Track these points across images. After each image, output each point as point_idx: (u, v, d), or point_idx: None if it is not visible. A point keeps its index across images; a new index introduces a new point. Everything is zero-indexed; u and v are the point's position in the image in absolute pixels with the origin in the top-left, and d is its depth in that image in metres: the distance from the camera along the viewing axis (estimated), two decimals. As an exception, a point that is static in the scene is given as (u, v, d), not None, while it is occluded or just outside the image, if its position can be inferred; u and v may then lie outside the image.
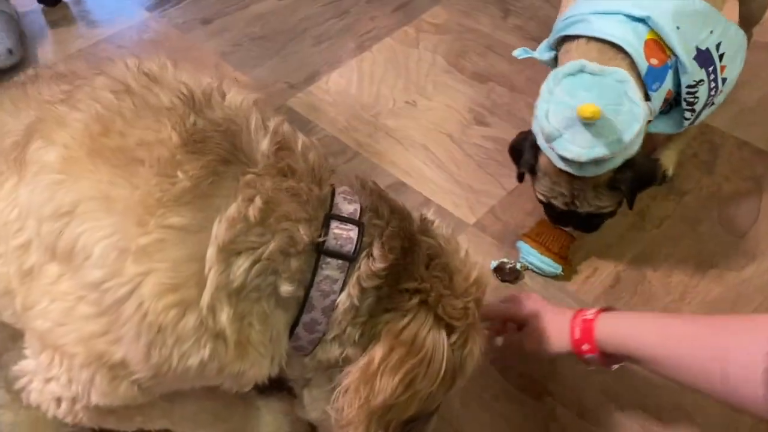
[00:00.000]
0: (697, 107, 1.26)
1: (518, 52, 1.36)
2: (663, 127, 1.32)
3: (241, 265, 0.74)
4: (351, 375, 0.81)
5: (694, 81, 1.21)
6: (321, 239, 0.78)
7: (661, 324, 0.98)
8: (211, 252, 0.72)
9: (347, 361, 0.83)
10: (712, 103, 1.28)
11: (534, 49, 1.37)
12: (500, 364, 1.24)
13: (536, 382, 1.23)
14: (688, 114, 1.27)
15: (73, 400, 0.83)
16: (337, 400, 0.83)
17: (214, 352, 0.76)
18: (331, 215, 0.80)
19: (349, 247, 0.79)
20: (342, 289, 0.79)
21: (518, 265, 1.38)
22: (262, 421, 1.12)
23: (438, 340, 0.81)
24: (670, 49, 1.19)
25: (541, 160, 1.25)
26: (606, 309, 1.03)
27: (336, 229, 0.79)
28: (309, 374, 0.90)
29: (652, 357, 0.94)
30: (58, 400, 0.84)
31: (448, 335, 0.82)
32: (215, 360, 0.76)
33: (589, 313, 1.02)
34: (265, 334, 0.79)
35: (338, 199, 0.83)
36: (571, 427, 1.17)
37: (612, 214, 1.31)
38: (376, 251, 0.78)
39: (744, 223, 1.47)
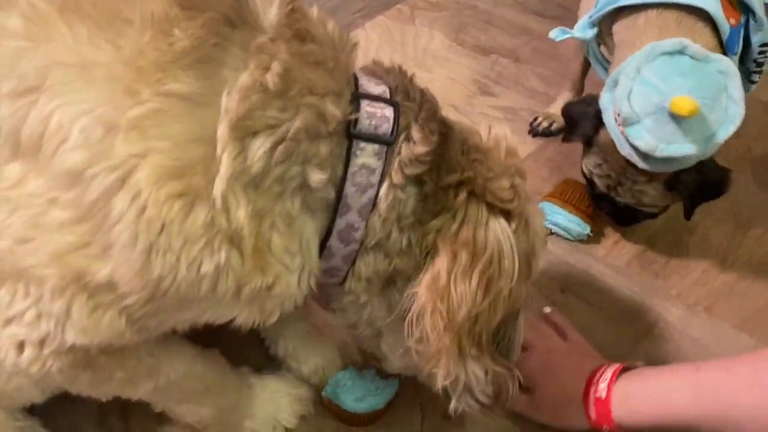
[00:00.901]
0: (765, 68, 1.14)
1: (555, 34, 1.21)
2: None
3: (260, 147, 0.59)
4: (419, 297, 0.69)
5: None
6: (352, 117, 0.64)
7: (693, 381, 0.81)
8: (222, 130, 0.57)
9: (399, 275, 0.71)
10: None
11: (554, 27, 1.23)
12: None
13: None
14: (755, 77, 1.15)
15: (42, 343, 0.65)
16: (413, 331, 0.70)
17: (229, 259, 0.61)
18: (359, 94, 0.66)
19: (386, 128, 0.66)
20: (381, 182, 0.66)
21: (540, 230, 1.24)
22: (257, 400, 0.96)
23: (500, 233, 0.69)
24: (740, 6, 1.08)
25: (602, 136, 1.11)
26: (624, 368, 0.88)
27: (368, 107, 0.65)
28: (360, 300, 0.76)
29: (692, 421, 0.79)
30: (21, 345, 0.66)
31: (508, 221, 0.71)
32: (230, 272, 0.62)
33: (602, 389, 0.86)
34: (290, 241, 0.65)
35: (362, 80, 0.69)
36: None
37: (653, 216, 1.19)
38: (415, 134, 0.66)
39: (781, 181, 1.35)
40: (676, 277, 1.19)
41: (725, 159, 1.38)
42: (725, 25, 1.05)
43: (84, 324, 0.63)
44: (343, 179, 0.66)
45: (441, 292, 0.68)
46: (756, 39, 1.10)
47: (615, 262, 1.21)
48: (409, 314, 0.70)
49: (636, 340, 1.09)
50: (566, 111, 1.18)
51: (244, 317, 0.69)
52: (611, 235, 1.26)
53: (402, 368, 0.88)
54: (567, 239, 1.24)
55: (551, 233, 1.24)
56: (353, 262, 0.72)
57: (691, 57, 1.00)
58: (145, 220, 0.57)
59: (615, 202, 1.17)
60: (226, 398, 0.92)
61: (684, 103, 0.94)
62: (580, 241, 1.24)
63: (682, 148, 1.00)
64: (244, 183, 0.60)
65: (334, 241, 0.70)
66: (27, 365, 0.67)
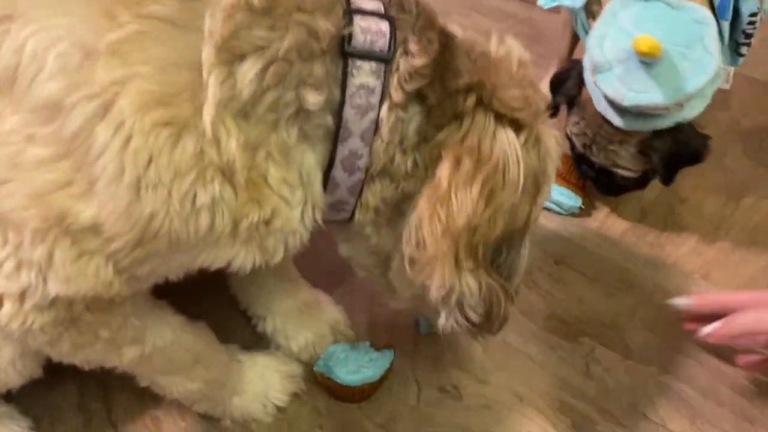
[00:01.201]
0: (753, 41, 1.09)
1: (544, 1, 1.18)
2: None
3: (249, 70, 0.56)
4: (421, 203, 0.65)
5: (757, 8, 1.05)
6: (346, 32, 0.60)
7: None
8: (207, 53, 0.54)
9: (407, 200, 0.67)
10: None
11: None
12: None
13: (569, 324, 1.06)
14: (743, 49, 1.10)
15: (22, 296, 0.62)
16: (411, 237, 0.66)
17: (222, 193, 0.57)
18: (351, 9, 0.62)
19: (383, 43, 0.61)
20: (381, 102, 0.62)
21: (531, 206, 1.21)
22: (247, 377, 0.92)
23: (507, 142, 0.65)
24: None
25: (583, 93, 1.09)
26: None
27: (362, 22, 0.61)
28: (370, 234, 0.73)
29: None
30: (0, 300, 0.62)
31: (517, 133, 0.66)
32: (224, 207, 0.58)
33: None
34: (289, 173, 0.61)
35: None
36: (617, 368, 0.99)
37: (637, 184, 1.15)
38: (413, 46, 0.62)
39: (770, 151, 1.34)
40: (670, 247, 1.17)
41: (715, 132, 1.36)
42: None
43: (68, 272, 0.59)
44: (342, 103, 0.62)
45: (441, 197, 0.64)
46: (746, 8, 1.06)
47: (609, 234, 1.19)
48: (410, 221, 0.67)
49: (633, 308, 1.07)
50: (552, 80, 1.16)
51: (243, 258, 0.65)
52: (603, 208, 1.24)
53: (411, 300, 0.83)
54: (559, 213, 1.21)
55: (543, 208, 1.21)
56: (360, 194, 0.68)
57: (667, 4, 0.97)
58: (131, 151, 0.53)
59: (593, 163, 1.13)
60: (215, 372, 0.88)
61: (646, 41, 0.90)
62: (573, 214, 1.22)
63: (651, 96, 0.95)
64: (234, 111, 0.56)
65: (337, 171, 0.65)
66: (7, 321, 0.63)
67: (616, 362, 1.00)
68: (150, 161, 0.54)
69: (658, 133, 1.03)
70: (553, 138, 0.71)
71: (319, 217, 0.67)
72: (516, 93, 0.66)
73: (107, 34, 0.52)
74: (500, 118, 0.66)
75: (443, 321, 0.76)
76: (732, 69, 1.08)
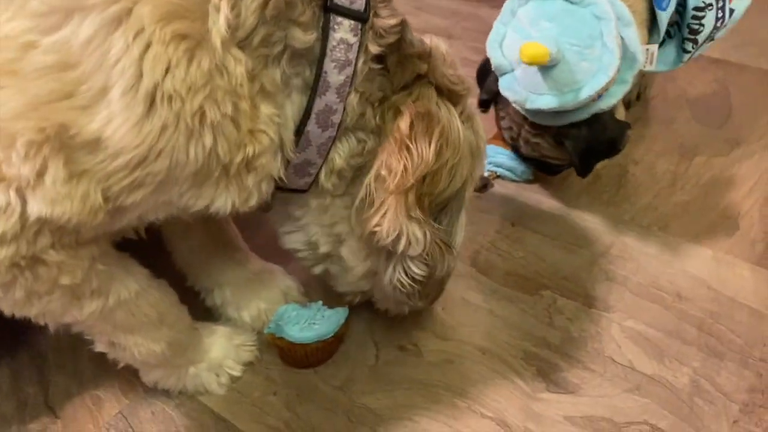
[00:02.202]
0: (700, 38, 1.06)
1: None
2: (659, 63, 1.10)
3: (252, 2, 0.58)
4: (382, 151, 0.71)
5: (703, 2, 1.03)
6: None
7: None
8: None
9: (369, 163, 0.72)
10: (712, 38, 1.09)
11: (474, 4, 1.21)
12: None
13: (529, 279, 1.03)
14: (689, 45, 1.07)
15: None
16: (371, 182, 0.72)
17: (227, 117, 0.59)
18: None
19: (360, 3, 0.66)
20: (357, 59, 0.66)
21: (486, 173, 1.20)
22: (202, 346, 0.89)
23: (447, 111, 0.74)
24: None
25: None
26: None
27: None
28: (326, 202, 0.77)
29: None
30: None
31: (454, 105, 0.75)
32: (225, 135, 0.60)
33: None
34: (275, 110, 0.64)
35: None
36: (580, 316, 0.96)
37: (571, 166, 1.12)
38: (382, 11, 0.67)
39: (719, 115, 1.36)
40: (626, 204, 1.16)
41: (663, 101, 1.40)
42: None
43: (56, 192, 0.56)
44: (322, 56, 0.65)
45: (401, 144, 0.69)
46: (692, 1, 1.03)
47: (564, 196, 1.18)
48: (369, 172, 0.72)
49: (592, 260, 1.05)
50: (478, 72, 1.13)
51: (222, 201, 0.65)
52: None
53: (365, 274, 0.83)
54: (513, 180, 1.20)
55: (497, 176, 1.20)
56: (327, 156, 0.71)
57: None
58: (151, 57, 0.53)
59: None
60: (179, 335, 0.83)
61: (530, 50, 0.85)
62: (528, 181, 1.20)
63: (549, 100, 0.92)
64: (238, 39, 0.58)
65: (312, 126, 0.68)
66: None
67: (578, 311, 0.97)
68: (168, 71, 0.54)
69: (574, 123, 0.97)
70: (480, 120, 0.80)
71: (283, 170, 0.69)
72: (451, 71, 0.75)
73: None
74: (440, 92, 0.74)
75: (389, 273, 0.79)
76: (655, 48, 1.02)
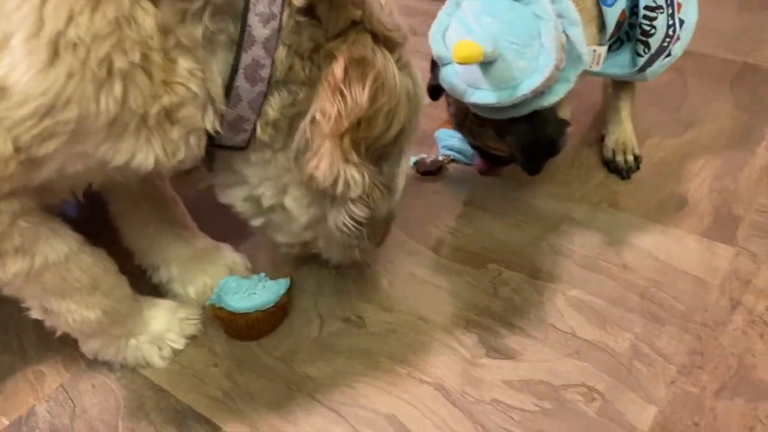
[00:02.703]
0: (653, 43, 1.04)
1: None
2: (611, 66, 1.09)
3: None
4: (320, 95, 0.71)
5: (654, 2, 1.02)
6: None
7: None
8: None
9: (303, 113, 0.73)
10: (670, 53, 1.06)
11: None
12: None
13: (476, 254, 1.04)
14: (641, 48, 1.05)
15: None
16: (306, 128, 0.73)
17: (137, 68, 0.59)
18: None
19: None
20: (282, 12, 0.67)
21: (441, 157, 1.21)
22: (144, 318, 0.89)
23: (383, 56, 0.73)
24: None
25: None
26: None
27: None
28: (266, 156, 0.78)
29: None
30: None
31: (390, 52, 0.75)
32: (138, 85, 0.60)
33: None
34: (195, 65, 0.64)
35: None
36: (524, 287, 0.96)
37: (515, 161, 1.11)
38: None
39: (675, 101, 1.37)
40: (578, 183, 1.16)
41: (619, 88, 1.40)
42: None
43: None
44: (245, 10, 0.65)
45: (335, 89, 0.70)
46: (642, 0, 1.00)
47: (516, 177, 1.18)
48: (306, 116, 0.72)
49: (540, 236, 1.05)
50: (432, 60, 1.08)
51: (144, 154, 0.66)
52: (513, 157, 1.24)
53: (308, 223, 0.84)
54: (466, 164, 1.20)
55: (451, 160, 1.21)
56: (260, 110, 0.72)
57: None
58: (52, 5, 0.54)
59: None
60: (117, 303, 0.83)
61: (460, 51, 0.83)
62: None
63: (485, 95, 0.91)
64: None
65: (240, 81, 0.68)
66: None
67: (523, 283, 0.98)
68: (71, 19, 0.55)
69: (515, 119, 0.96)
70: (418, 69, 0.81)
71: (218, 124, 0.70)
72: (387, 18, 0.74)
73: None
74: (376, 39, 0.73)
75: (331, 218, 0.80)
76: (603, 50, 1.00)
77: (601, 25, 1.03)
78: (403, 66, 0.78)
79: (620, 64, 1.10)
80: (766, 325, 0.88)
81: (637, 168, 1.17)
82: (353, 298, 0.97)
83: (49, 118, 0.58)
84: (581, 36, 0.93)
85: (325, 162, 0.73)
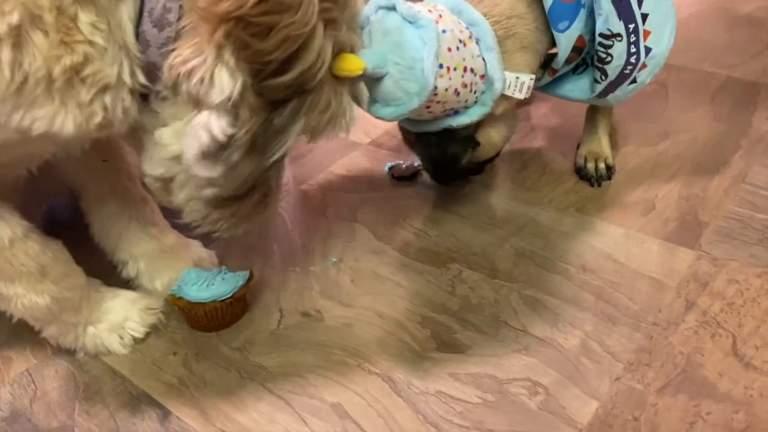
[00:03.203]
0: (610, 71, 1.03)
1: None
2: (571, 90, 1.11)
3: None
4: None
5: (609, 31, 0.99)
6: None
7: None
8: None
9: None
10: (635, 80, 1.06)
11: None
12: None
13: (439, 254, 1.05)
14: (597, 75, 1.05)
15: None
16: (183, 7, 0.64)
17: (30, 31, 0.59)
18: None
19: None
20: None
21: (416, 163, 1.24)
22: (104, 307, 0.92)
23: None
24: None
25: None
26: None
27: None
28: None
29: None
30: None
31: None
32: (34, 50, 0.60)
33: None
34: (98, 18, 0.62)
35: None
36: (482, 286, 0.98)
37: (469, 170, 1.14)
38: None
39: (655, 110, 1.38)
40: (548, 188, 1.18)
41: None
42: None
43: None
44: None
45: None
46: (598, 25, 0.99)
47: (494, 183, 1.21)
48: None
49: (504, 238, 1.07)
50: None
51: (63, 118, 0.64)
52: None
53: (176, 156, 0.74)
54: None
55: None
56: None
57: (402, 16, 0.89)
58: None
59: None
60: (68, 291, 0.87)
61: (341, 62, 0.78)
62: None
63: (376, 107, 0.91)
64: None
65: (146, 26, 0.65)
66: None
67: (481, 281, 0.99)
68: None
69: (427, 132, 1.00)
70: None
71: (141, 77, 0.67)
72: None
73: None
74: None
75: (188, 130, 0.69)
76: (527, 78, 0.97)
77: (543, 52, 1.02)
78: (330, 22, 0.69)
79: (580, 89, 1.11)
80: (719, 326, 0.88)
81: (609, 177, 1.18)
82: (315, 294, 0.99)
83: None
84: (496, 62, 0.94)
85: (191, 44, 0.63)
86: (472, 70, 0.93)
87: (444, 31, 0.90)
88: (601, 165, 1.18)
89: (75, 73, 0.63)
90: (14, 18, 0.59)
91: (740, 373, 0.81)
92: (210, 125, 0.66)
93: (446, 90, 0.91)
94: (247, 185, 0.72)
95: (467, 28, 0.94)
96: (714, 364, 0.83)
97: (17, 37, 0.60)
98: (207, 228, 0.79)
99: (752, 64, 1.52)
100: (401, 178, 1.23)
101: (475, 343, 0.89)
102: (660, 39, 1.03)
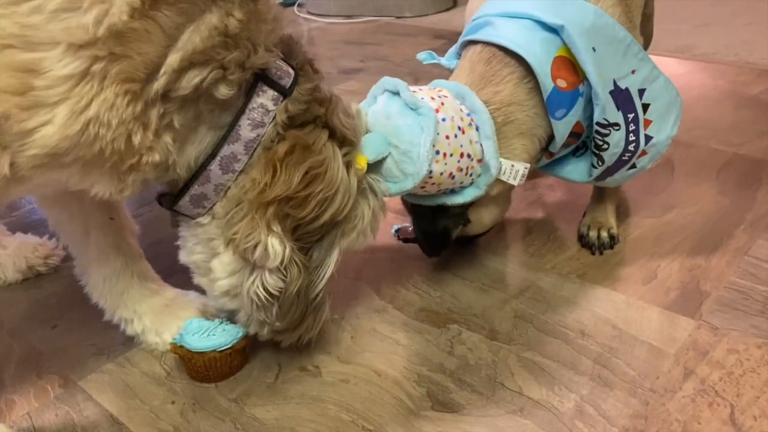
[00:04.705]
0: (607, 157, 1.05)
1: (423, 56, 1.16)
2: (570, 172, 1.14)
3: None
4: (255, 166, 0.80)
5: (606, 120, 1.01)
6: (261, 65, 0.76)
7: None
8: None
9: None
10: (634, 166, 1.08)
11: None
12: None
13: (440, 314, 1.07)
14: (595, 160, 1.07)
15: None
16: (237, 194, 0.81)
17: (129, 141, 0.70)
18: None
19: (287, 81, 0.80)
20: (270, 123, 0.79)
21: (418, 226, 1.26)
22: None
23: (332, 149, 0.83)
24: (584, 72, 0.98)
25: None
26: None
27: (279, 61, 0.79)
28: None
29: None
30: None
31: (341, 147, 0.84)
32: (122, 146, 0.70)
33: None
34: (173, 142, 0.75)
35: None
36: (480, 347, 0.98)
37: (468, 241, 1.22)
38: (302, 78, 0.82)
39: (660, 183, 1.40)
40: (551, 255, 1.19)
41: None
42: (547, 82, 0.98)
43: None
44: (242, 112, 0.77)
45: (270, 165, 0.78)
46: (595, 114, 1.00)
47: (495, 247, 1.23)
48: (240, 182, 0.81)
49: (505, 300, 1.08)
50: None
51: (102, 187, 0.75)
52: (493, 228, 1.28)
53: (228, 290, 0.88)
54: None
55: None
56: (222, 196, 0.81)
57: (404, 102, 0.95)
58: (101, 99, 0.66)
59: None
60: None
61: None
62: (460, 233, 1.25)
63: (385, 185, 0.96)
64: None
65: (214, 166, 0.79)
66: None
67: (480, 342, 0.99)
68: (111, 107, 0.67)
69: (423, 205, 1.06)
70: (358, 176, 0.88)
71: (180, 170, 0.80)
72: (346, 118, 0.87)
73: None
74: (333, 135, 0.84)
75: (246, 285, 0.84)
76: (522, 166, 1.00)
77: (543, 137, 1.05)
78: (350, 164, 0.86)
79: (579, 171, 1.14)
80: (718, 395, 0.87)
81: (611, 246, 1.20)
82: (314, 349, 1.00)
83: (54, 159, 0.67)
84: (492, 150, 0.98)
85: (245, 224, 0.79)
86: (468, 156, 0.97)
87: (444, 120, 0.95)
88: (604, 234, 1.20)
89: (134, 166, 0.73)
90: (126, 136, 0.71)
91: (736, 442, 0.80)
92: (265, 280, 0.82)
93: (441, 174, 0.96)
94: (300, 317, 0.89)
95: (468, 115, 0.98)
96: (711, 433, 0.82)
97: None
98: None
99: (758, 143, 1.54)
100: (407, 240, 1.26)
101: (469, 403, 0.89)
102: (661, 128, 1.06)
